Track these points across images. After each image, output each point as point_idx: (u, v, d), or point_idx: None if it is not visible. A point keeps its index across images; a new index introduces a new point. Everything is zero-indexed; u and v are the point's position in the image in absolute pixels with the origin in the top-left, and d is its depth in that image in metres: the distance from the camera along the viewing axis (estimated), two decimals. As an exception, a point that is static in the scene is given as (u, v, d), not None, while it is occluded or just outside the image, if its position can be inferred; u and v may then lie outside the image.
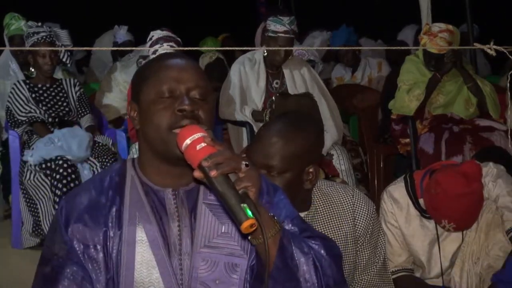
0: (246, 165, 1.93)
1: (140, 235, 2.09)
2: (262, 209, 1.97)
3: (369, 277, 2.85)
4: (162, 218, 2.10)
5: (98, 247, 2.07)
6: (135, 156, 5.24)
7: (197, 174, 1.92)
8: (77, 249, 2.07)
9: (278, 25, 5.49)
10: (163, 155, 2.07)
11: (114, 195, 2.12)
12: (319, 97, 5.62)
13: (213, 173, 1.88)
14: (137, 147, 5.32)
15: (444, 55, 5.55)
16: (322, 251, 2.11)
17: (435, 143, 5.44)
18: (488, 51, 3.15)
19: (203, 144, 1.92)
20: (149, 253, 2.08)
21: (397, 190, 3.50)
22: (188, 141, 1.93)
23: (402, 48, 7.94)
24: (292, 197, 2.48)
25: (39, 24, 5.79)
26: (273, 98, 5.56)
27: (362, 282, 2.85)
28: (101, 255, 2.07)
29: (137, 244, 2.08)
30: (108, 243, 2.08)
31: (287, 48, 5.48)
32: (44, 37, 5.61)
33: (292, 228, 2.14)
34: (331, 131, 5.42)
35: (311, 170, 2.65)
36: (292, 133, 2.62)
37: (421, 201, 3.41)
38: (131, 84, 2.19)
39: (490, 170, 3.60)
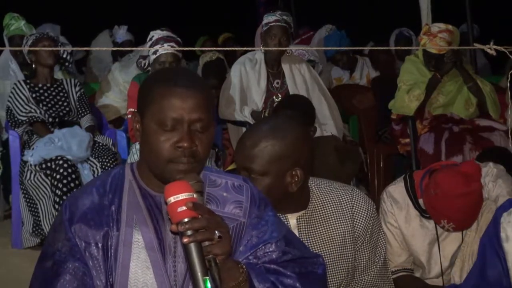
0: (219, 237, 1.99)
1: (137, 237, 2.15)
2: (230, 262, 2.04)
3: (369, 277, 2.84)
4: (159, 222, 2.16)
5: (99, 245, 2.13)
6: (135, 156, 5.27)
7: (174, 228, 1.99)
8: (79, 246, 2.12)
9: (270, 17, 5.56)
10: (159, 177, 2.14)
11: (113, 198, 2.18)
12: (319, 97, 5.64)
13: (185, 239, 1.95)
14: (137, 147, 5.32)
15: (444, 55, 5.55)
16: (298, 284, 2.19)
17: (435, 143, 5.43)
18: (488, 51, 3.16)
19: (183, 208, 1.96)
20: (145, 255, 2.14)
21: (397, 190, 3.50)
22: (171, 199, 1.97)
23: (402, 48, 7.96)
24: (276, 199, 2.54)
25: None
26: (274, 98, 5.58)
27: (363, 282, 2.84)
28: (101, 253, 2.13)
29: (133, 246, 2.15)
30: (108, 243, 2.13)
31: (284, 48, 5.52)
32: (43, 34, 5.71)
33: (275, 250, 2.20)
34: (331, 131, 5.42)
35: (294, 173, 2.65)
36: (271, 136, 2.63)
37: (420, 201, 3.41)
38: (137, 94, 2.21)
39: (490, 170, 3.60)
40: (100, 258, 2.12)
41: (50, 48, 5.56)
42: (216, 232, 1.98)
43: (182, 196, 1.97)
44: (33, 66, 5.74)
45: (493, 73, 9.05)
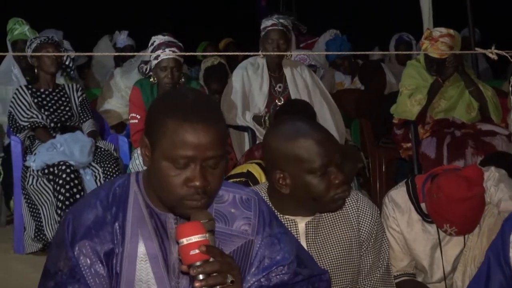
0: (232, 281, 1.98)
1: (142, 252, 2.11)
2: None
3: (372, 281, 2.84)
4: (164, 240, 2.13)
5: (104, 262, 2.09)
6: (137, 161, 5.27)
7: (185, 269, 1.97)
8: (84, 264, 2.08)
9: (267, 21, 5.57)
10: (168, 208, 2.11)
11: (118, 211, 2.13)
12: (321, 102, 5.64)
13: (197, 284, 1.94)
14: (139, 151, 5.32)
15: (445, 60, 5.55)
16: None
17: (437, 148, 5.43)
18: (490, 55, 3.16)
19: (196, 251, 1.94)
20: (149, 270, 2.11)
21: (399, 194, 3.50)
22: (184, 241, 1.95)
23: (405, 52, 7.95)
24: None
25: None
26: (277, 102, 5.58)
27: (365, 287, 2.84)
28: (106, 270, 2.09)
29: (138, 261, 2.11)
30: (113, 260, 2.09)
31: (285, 53, 5.53)
32: (46, 39, 5.67)
33: (287, 272, 2.20)
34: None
35: None
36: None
37: (423, 205, 3.41)
38: (146, 118, 2.14)
39: (492, 174, 3.60)
40: (106, 275, 2.09)
41: (52, 54, 5.55)
42: (229, 276, 1.97)
43: (195, 238, 1.95)
44: (35, 70, 5.74)
45: (494, 77, 9.04)
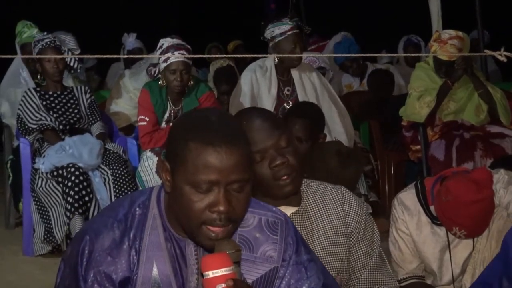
0: None
1: (155, 279, 2.03)
2: None
3: (367, 270, 2.86)
4: (182, 269, 2.05)
5: None
6: (146, 163, 5.28)
7: None
8: None
9: (283, 26, 5.52)
10: (188, 236, 2.02)
11: (135, 237, 2.04)
12: (329, 104, 5.64)
13: None
14: (148, 154, 5.34)
15: (454, 62, 5.54)
16: None
17: (446, 150, 5.43)
18: (499, 57, 3.15)
19: (223, 285, 1.88)
20: None
21: (408, 197, 3.50)
22: (210, 274, 1.89)
23: (413, 54, 7.94)
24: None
25: (45, 33, 5.85)
26: (285, 105, 5.58)
27: (363, 277, 2.86)
28: None
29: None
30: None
31: (298, 55, 5.50)
32: (48, 43, 5.64)
33: None
34: (342, 138, 5.42)
35: None
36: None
37: (432, 208, 3.41)
38: (168, 140, 2.05)
39: (501, 176, 3.60)
40: None
41: (57, 56, 5.54)
42: None
43: (221, 272, 1.89)
44: (39, 76, 5.75)
45: (503, 79, 9.03)
